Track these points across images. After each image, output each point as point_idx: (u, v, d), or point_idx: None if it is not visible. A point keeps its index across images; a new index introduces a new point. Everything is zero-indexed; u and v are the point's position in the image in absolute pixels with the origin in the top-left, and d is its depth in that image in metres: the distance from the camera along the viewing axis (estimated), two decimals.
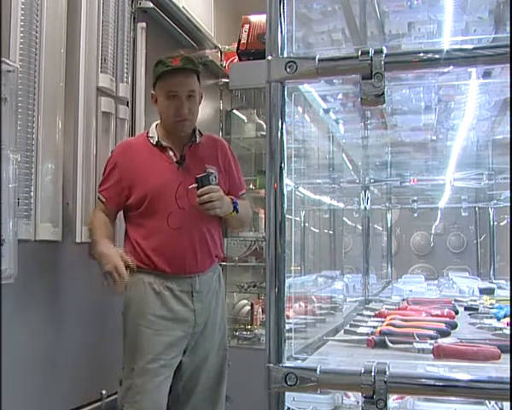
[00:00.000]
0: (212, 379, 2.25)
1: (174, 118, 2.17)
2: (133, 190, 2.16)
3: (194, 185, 2.09)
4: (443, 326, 1.55)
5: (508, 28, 1.59)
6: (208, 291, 2.21)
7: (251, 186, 3.54)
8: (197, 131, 2.27)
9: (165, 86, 2.17)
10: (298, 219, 2.53)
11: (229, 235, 3.54)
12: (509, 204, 3.19)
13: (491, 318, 1.81)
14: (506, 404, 1.39)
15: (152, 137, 2.22)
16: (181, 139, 2.23)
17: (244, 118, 3.81)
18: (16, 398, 1.93)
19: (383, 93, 0.93)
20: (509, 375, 0.88)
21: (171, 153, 2.21)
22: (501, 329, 1.61)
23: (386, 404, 0.91)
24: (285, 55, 1.01)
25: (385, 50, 0.94)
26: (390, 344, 1.40)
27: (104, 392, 2.36)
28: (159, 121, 2.26)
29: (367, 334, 1.50)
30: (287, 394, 1.00)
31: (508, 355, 1.22)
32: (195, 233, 2.17)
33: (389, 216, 3.93)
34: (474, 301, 2.23)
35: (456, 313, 1.86)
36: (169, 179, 2.17)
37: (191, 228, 2.16)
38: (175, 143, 2.22)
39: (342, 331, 1.65)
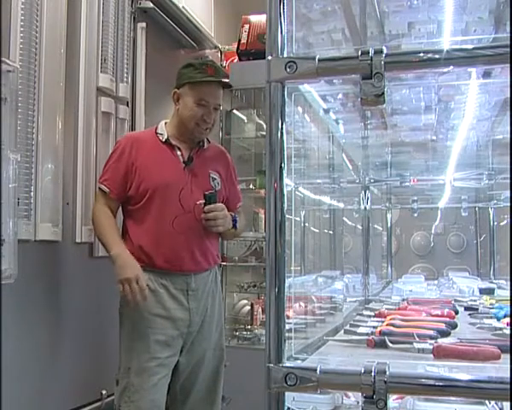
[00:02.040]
0: (209, 379, 2.25)
1: (198, 124, 2.20)
2: (138, 182, 2.16)
3: (201, 202, 2.15)
4: (443, 326, 1.54)
5: (508, 28, 1.59)
6: (204, 290, 2.21)
7: (251, 186, 3.54)
8: (205, 138, 2.30)
9: (197, 93, 2.18)
10: (298, 219, 2.53)
11: None
12: (509, 204, 3.18)
13: (491, 318, 1.81)
14: (506, 404, 1.39)
15: (161, 134, 2.23)
16: (190, 142, 2.25)
17: (244, 118, 3.81)
18: (16, 398, 1.93)
19: (383, 93, 0.93)
20: (509, 375, 0.88)
21: (179, 152, 2.22)
22: (501, 329, 1.61)
23: (386, 404, 0.91)
24: (285, 55, 1.01)
25: (385, 50, 0.94)
26: (390, 344, 1.40)
27: (104, 392, 2.36)
28: (168, 120, 2.28)
29: (367, 334, 1.50)
30: (287, 394, 1.00)
31: (508, 355, 1.22)
32: (194, 233, 2.17)
33: (389, 216, 3.93)
34: (474, 301, 2.22)
35: (456, 313, 1.85)
36: (175, 177, 2.18)
37: (190, 228, 2.17)
38: (183, 144, 2.24)
39: (342, 331, 1.65)
